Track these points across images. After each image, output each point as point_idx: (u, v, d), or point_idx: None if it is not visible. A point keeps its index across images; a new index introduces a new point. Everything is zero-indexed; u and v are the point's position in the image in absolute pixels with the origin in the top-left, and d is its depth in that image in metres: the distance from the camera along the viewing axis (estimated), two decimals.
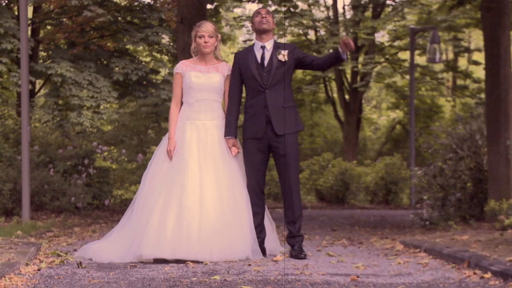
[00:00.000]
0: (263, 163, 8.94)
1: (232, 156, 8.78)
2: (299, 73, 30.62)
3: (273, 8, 27.61)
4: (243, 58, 8.95)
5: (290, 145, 8.78)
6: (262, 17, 8.87)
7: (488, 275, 6.80)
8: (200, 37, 8.80)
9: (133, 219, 8.69)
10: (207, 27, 8.83)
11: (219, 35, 8.97)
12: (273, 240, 9.23)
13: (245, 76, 8.91)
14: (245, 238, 8.53)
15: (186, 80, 8.81)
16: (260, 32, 8.91)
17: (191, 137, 8.70)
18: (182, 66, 8.90)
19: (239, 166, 8.84)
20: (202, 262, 8.14)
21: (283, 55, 8.82)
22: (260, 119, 8.82)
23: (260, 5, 28.66)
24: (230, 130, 8.92)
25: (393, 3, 27.74)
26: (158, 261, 8.23)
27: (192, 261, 8.16)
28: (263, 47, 8.91)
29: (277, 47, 8.90)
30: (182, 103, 8.95)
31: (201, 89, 8.79)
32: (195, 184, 8.50)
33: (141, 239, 8.35)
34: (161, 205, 8.45)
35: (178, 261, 8.18)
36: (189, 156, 8.61)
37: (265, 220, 9.04)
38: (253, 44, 9.04)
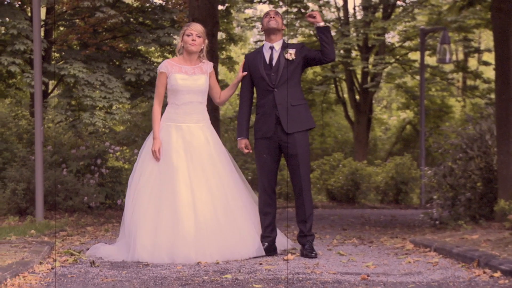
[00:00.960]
0: (274, 163, 8.95)
1: (221, 157, 8.78)
2: (309, 73, 30.62)
3: (283, 9, 27.63)
4: (252, 59, 9.00)
5: (300, 144, 8.79)
6: (271, 17, 8.91)
7: (497, 274, 6.80)
8: (188, 35, 8.79)
9: (126, 223, 8.67)
10: (196, 27, 8.84)
11: (207, 40, 8.94)
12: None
13: (254, 76, 8.95)
14: (243, 237, 8.51)
15: (171, 82, 8.77)
16: (269, 32, 8.93)
17: (177, 141, 8.68)
18: (168, 65, 8.85)
19: (229, 166, 8.82)
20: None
21: (290, 54, 8.84)
22: (269, 119, 8.84)
23: (271, 6, 28.70)
24: (242, 131, 8.98)
25: (403, 4, 27.70)
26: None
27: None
28: (271, 48, 8.94)
29: (285, 47, 8.92)
30: (165, 103, 8.96)
31: (187, 91, 8.76)
32: (187, 188, 8.49)
33: (135, 245, 8.35)
34: (154, 211, 8.43)
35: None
36: (177, 160, 8.59)
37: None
38: (263, 45, 9.07)
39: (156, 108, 8.84)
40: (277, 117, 8.80)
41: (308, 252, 8.74)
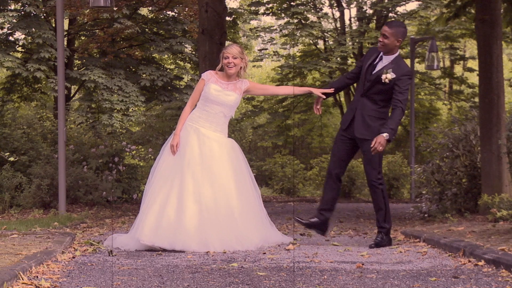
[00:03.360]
0: (344, 152, 8.76)
1: (233, 159, 8.72)
2: (309, 79, 30.58)
3: (285, 20, 27.59)
4: (369, 55, 8.71)
5: (369, 148, 8.40)
6: (379, 41, 8.60)
7: (481, 263, 6.77)
8: (225, 58, 8.72)
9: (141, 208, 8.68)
10: (232, 49, 8.73)
11: (246, 57, 8.82)
12: (275, 234, 9.12)
13: (362, 72, 8.70)
14: (240, 234, 8.46)
15: (205, 89, 8.74)
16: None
17: (192, 139, 8.66)
18: (209, 75, 8.82)
19: (240, 168, 8.77)
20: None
21: (386, 77, 8.43)
22: (349, 115, 8.69)
23: (274, 18, 28.67)
24: (330, 83, 8.91)
25: (395, 15, 27.65)
26: (155, 249, 8.23)
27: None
28: (381, 57, 8.57)
29: (393, 63, 8.47)
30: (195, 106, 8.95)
31: (215, 101, 8.72)
32: (194, 181, 8.46)
33: (142, 225, 8.35)
34: (162, 197, 8.44)
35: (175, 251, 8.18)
36: (190, 156, 8.57)
37: (264, 216, 8.95)
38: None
39: (187, 109, 8.80)
40: (353, 117, 8.63)
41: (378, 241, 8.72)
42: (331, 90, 8.85)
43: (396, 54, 8.56)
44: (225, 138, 8.81)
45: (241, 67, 8.77)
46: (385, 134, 8.27)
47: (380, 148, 8.24)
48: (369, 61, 8.63)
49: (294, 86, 8.98)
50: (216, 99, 8.71)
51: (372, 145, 8.28)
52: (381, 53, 8.58)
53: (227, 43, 22.70)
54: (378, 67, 8.53)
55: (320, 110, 8.81)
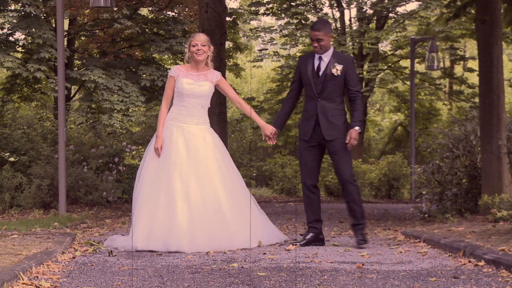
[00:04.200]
0: (313, 161, 8.80)
1: (217, 156, 8.71)
2: None
3: (285, 20, 27.60)
4: (304, 63, 8.77)
5: (340, 147, 8.59)
6: (314, 46, 8.65)
7: (481, 263, 6.78)
8: (193, 46, 8.74)
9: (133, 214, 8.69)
10: (199, 37, 8.78)
11: (212, 46, 8.88)
12: (273, 231, 9.13)
13: (303, 81, 8.76)
14: (231, 230, 8.46)
15: (178, 85, 8.74)
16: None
17: (177, 138, 8.66)
18: (177, 70, 8.81)
19: (225, 165, 8.76)
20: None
21: (337, 70, 8.57)
22: (309, 123, 8.71)
23: (274, 18, 28.67)
24: (276, 122, 8.90)
25: (395, 16, 27.66)
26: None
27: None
28: (320, 58, 8.68)
29: (334, 57, 8.63)
30: (171, 105, 8.95)
31: (191, 95, 8.73)
32: (182, 181, 8.47)
33: (134, 232, 8.36)
34: (152, 202, 8.43)
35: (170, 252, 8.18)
36: (176, 156, 8.58)
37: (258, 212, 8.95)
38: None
39: (163, 109, 8.83)
40: (317, 122, 8.65)
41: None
42: (278, 129, 8.90)
43: (332, 49, 8.72)
44: (208, 131, 8.81)
45: (208, 55, 8.81)
46: (357, 128, 8.56)
47: (355, 142, 8.51)
48: (308, 68, 8.72)
49: (252, 109, 9.02)
50: (191, 92, 8.71)
51: (347, 141, 8.50)
52: (318, 56, 8.70)
53: (227, 43, 22.67)
54: (323, 67, 8.66)
55: (274, 141, 8.85)
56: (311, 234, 8.85)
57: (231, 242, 8.38)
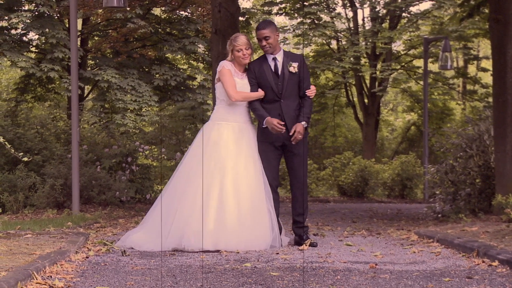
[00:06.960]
0: (277, 162, 8.86)
1: (255, 157, 8.69)
2: (322, 78, 30.59)
3: (298, 20, 27.60)
4: (258, 67, 8.77)
5: (301, 146, 8.71)
6: (263, 45, 8.72)
7: (495, 263, 6.76)
8: (238, 51, 8.71)
9: (164, 205, 8.60)
10: (242, 40, 8.74)
11: (252, 45, 8.90)
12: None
13: (261, 85, 8.75)
14: (268, 229, 8.48)
15: None
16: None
17: (227, 138, 8.64)
18: (230, 67, 8.76)
19: (260, 165, 8.75)
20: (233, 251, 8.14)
21: (294, 67, 8.68)
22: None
23: (287, 18, 28.68)
24: (263, 114, 8.71)
25: (408, 15, 27.61)
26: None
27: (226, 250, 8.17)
28: (274, 59, 8.74)
29: (287, 56, 8.74)
30: (216, 102, 8.93)
31: None
32: (232, 182, 8.45)
33: (177, 229, 8.32)
34: (201, 200, 8.37)
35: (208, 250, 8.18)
36: (226, 156, 8.55)
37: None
38: (264, 54, 8.84)
39: (243, 93, 8.68)
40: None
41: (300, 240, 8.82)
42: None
43: (282, 49, 8.84)
44: (252, 127, 8.83)
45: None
46: (303, 123, 8.66)
47: (299, 136, 8.57)
48: (265, 70, 8.73)
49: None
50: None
51: (291, 133, 8.56)
52: (272, 57, 8.74)
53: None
54: (280, 66, 8.72)
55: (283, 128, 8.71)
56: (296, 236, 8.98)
57: (257, 245, 8.39)
